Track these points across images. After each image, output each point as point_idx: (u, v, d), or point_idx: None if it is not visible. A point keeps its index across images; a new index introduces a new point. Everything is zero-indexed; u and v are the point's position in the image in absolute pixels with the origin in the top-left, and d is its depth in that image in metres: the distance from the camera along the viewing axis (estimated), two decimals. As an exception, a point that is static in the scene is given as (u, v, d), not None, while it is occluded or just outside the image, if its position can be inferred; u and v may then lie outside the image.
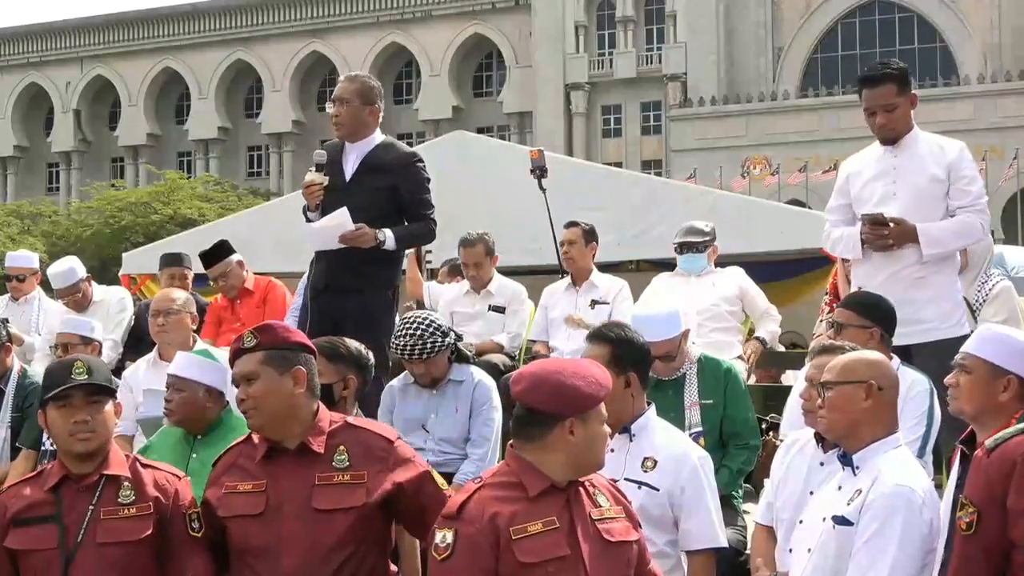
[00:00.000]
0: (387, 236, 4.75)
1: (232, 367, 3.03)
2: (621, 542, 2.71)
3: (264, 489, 2.92)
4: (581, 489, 2.72)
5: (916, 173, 4.52)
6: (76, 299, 6.43)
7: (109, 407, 3.01)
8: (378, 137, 4.97)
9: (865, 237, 4.51)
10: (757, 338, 5.97)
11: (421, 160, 5.02)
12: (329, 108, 4.95)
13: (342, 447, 2.95)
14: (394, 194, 4.84)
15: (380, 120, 4.98)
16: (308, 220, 4.90)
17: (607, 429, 2.74)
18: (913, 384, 3.87)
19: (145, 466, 3.04)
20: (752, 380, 5.82)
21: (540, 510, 2.62)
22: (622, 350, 3.41)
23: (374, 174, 4.84)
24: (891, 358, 3.90)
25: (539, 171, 6.96)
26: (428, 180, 4.96)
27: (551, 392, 2.65)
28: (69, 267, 6.50)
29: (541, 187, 6.90)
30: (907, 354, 4.32)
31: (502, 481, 2.68)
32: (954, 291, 4.62)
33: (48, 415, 2.99)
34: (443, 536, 2.61)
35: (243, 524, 2.92)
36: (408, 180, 4.88)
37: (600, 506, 2.73)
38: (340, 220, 4.68)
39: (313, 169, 4.86)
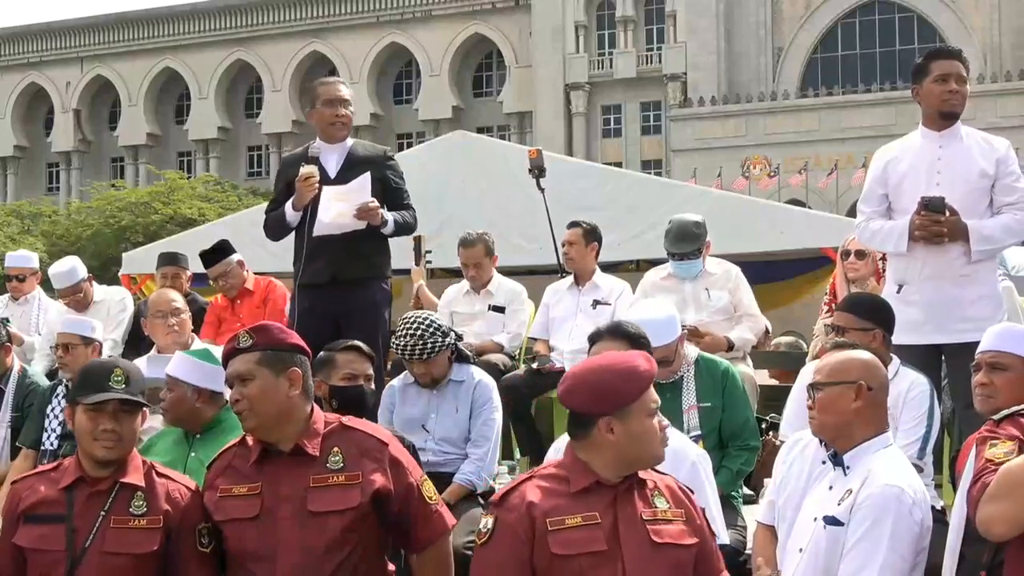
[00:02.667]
0: (389, 217, 4.97)
1: (226, 367, 3.01)
2: (669, 544, 2.66)
3: (259, 492, 2.91)
4: (638, 488, 2.71)
5: (963, 165, 4.33)
6: (77, 299, 6.43)
7: (139, 418, 3.01)
8: (350, 137, 5.16)
9: (918, 222, 4.22)
10: (726, 337, 5.59)
11: (393, 159, 5.29)
12: (327, 110, 4.98)
13: (336, 448, 2.94)
14: (379, 185, 4.99)
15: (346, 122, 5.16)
16: (287, 224, 4.99)
17: (657, 422, 2.71)
18: (913, 385, 3.86)
19: (160, 475, 3.01)
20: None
21: (583, 505, 2.64)
22: (640, 347, 3.46)
23: (360, 167, 4.97)
24: (891, 359, 3.91)
25: (537, 170, 6.95)
26: (404, 180, 5.22)
27: (584, 393, 2.68)
28: (71, 267, 6.51)
29: (539, 186, 6.88)
30: (937, 352, 4.26)
31: (551, 474, 2.73)
32: (997, 290, 4.43)
33: (76, 416, 2.97)
34: (485, 522, 2.70)
35: (239, 527, 2.91)
36: (391, 171, 5.12)
37: (655, 507, 2.70)
38: (363, 184, 4.84)
39: (306, 162, 4.92)
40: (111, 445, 2.93)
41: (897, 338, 4.11)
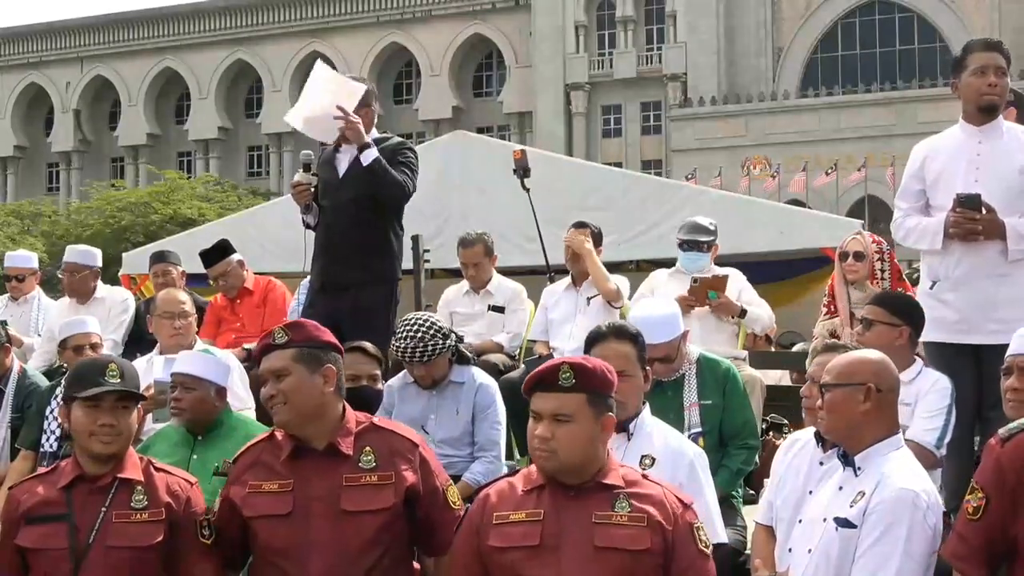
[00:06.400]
0: (372, 145, 4.80)
1: (260, 364, 3.02)
2: (613, 548, 2.61)
3: (291, 489, 2.91)
4: (602, 491, 2.69)
5: (1003, 162, 4.20)
6: (81, 281, 6.42)
7: (134, 413, 3.02)
8: (372, 135, 4.97)
9: (953, 220, 4.09)
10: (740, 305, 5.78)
11: (411, 148, 5.08)
12: None
13: (368, 448, 2.95)
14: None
15: (375, 120, 5.05)
16: (305, 224, 5.02)
17: (535, 425, 2.72)
18: (936, 382, 3.87)
19: (158, 470, 3.04)
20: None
21: (533, 502, 2.69)
22: (643, 346, 3.46)
23: (365, 171, 4.85)
24: (914, 360, 3.91)
25: (522, 171, 6.95)
26: (415, 164, 5.01)
27: None
28: (89, 250, 6.64)
29: (524, 187, 6.87)
30: (968, 352, 4.16)
31: (523, 473, 2.81)
32: None
33: (73, 412, 2.99)
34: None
35: (269, 524, 2.91)
36: (398, 159, 4.94)
37: (614, 511, 2.67)
38: (352, 90, 4.79)
39: (301, 169, 4.94)
40: (109, 440, 2.94)
41: (927, 335, 4.06)
